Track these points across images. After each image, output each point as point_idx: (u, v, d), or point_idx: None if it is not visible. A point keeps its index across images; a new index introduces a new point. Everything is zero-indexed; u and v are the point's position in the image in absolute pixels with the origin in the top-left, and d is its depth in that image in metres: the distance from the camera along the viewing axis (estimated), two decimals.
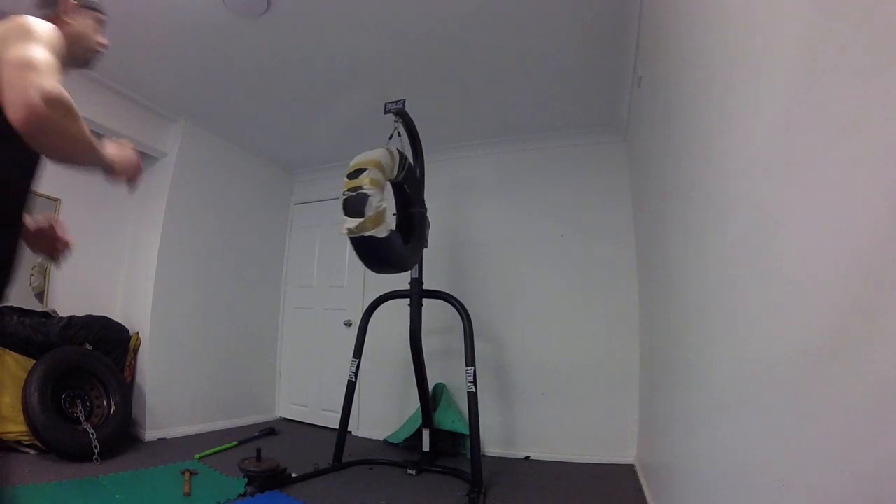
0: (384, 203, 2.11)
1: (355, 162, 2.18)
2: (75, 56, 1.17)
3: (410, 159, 2.71)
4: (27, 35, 0.94)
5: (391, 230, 2.21)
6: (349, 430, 3.03)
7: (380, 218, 2.08)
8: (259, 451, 2.51)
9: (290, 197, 4.61)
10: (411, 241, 2.54)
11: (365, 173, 2.10)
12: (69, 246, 1.28)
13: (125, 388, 2.92)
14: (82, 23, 1.20)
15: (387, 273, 2.45)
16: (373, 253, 2.20)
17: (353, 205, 2.07)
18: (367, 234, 2.06)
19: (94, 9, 1.26)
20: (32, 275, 3.00)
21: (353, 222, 2.05)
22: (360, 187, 2.07)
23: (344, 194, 2.13)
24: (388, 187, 2.57)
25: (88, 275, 3.29)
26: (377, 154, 2.20)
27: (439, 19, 2.36)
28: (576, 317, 3.27)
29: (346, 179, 2.15)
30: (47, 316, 2.86)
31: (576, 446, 3.08)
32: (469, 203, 3.73)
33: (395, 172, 2.37)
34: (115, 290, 3.46)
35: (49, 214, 1.16)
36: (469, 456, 2.54)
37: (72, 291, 3.16)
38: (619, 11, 2.25)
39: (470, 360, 2.57)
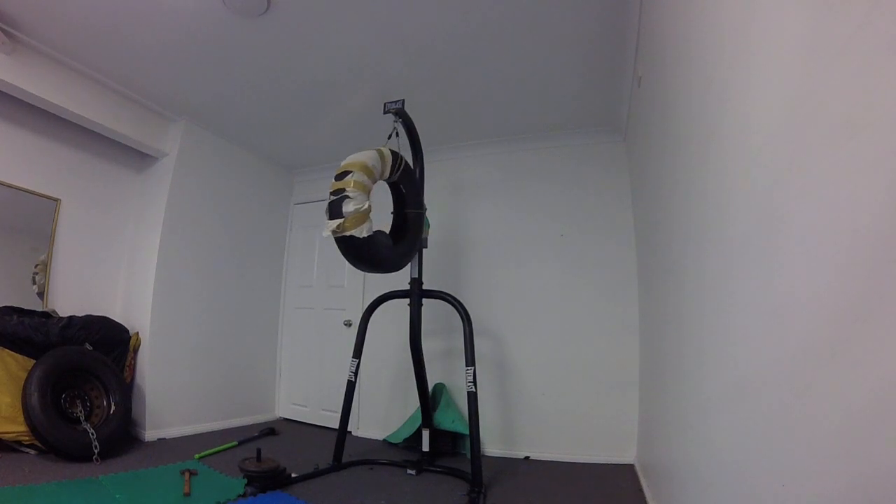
0: (367, 204, 2.14)
1: (344, 164, 2.23)
2: None
3: (410, 159, 2.71)
4: None
5: (377, 231, 2.25)
6: (349, 430, 3.03)
7: (361, 218, 2.13)
8: (259, 451, 2.51)
9: (290, 197, 4.61)
10: (404, 241, 2.54)
11: (349, 175, 2.15)
12: None
13: (125, 388, 2.92)
14: None
15: (374, 272, 2.49)
16: (355, 253, 2.26)
17: (334, 207, 2.13)
18: (346, 234, 2.09)
19: None
20: (36, 273, 3.00)
21: (333, 223, 2.10)
22: (343, 190, 2.11)
23: (329, 196, 2.17)
24: (384, 187, 2.58)
25: (88, 275, 3.30)
26: (364, 156, 2.25)
27: (439, 19, 2.36)
28: (576, 316, 3.27)
29: (333, 181, 2.19)
30: (47, 316, 2.86)
31: (576, 446, 3.09)
32: (469, 203, 3.73)
33: (388, 173, 2.38)
34: (115, 290, 3.46)
35: None
36: (469, 456, 2.55)
37: (72, 291, 3.16)
38: (619, 12, 2.25)
39: (470, 359, 2.57)
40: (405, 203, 2.62)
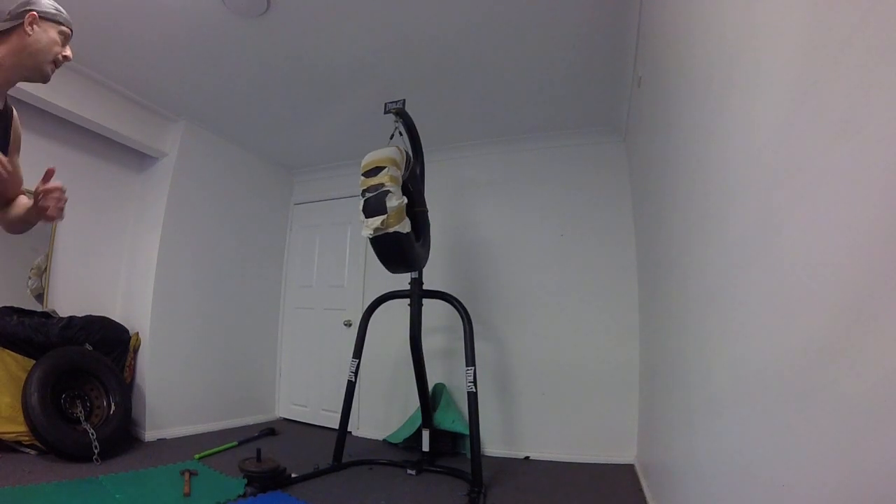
0: (404, 199, 2.09)
1: (371, 160, 2.16)
2: (28, 67, 1.21)
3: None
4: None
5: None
6: (349, 430, 3.03)
7: (401, 214, 2.06)
8: (259, 451, 2.51)
9: (290, 197, 4.61)
10: (420, 239, 2.54)
11: (384, 171, 2.08)
12: (62, 190, 1.30)
13: (125, 388, 2.92)
14: (42, 35, 1.19)
15: (404, 272, 2.44)
16: (395, 250, 2.17)
17: (374, 204, 2.05)
18: (391, 230, 2.03)
19: (58, 21, 1.24)
20: (30, 277, 3.00)
21: (376, 221, 2.03)
22: (382, 185, 2.05)
23: (363, 194, 2.09)
24: None
25: (88, 275, 3.30)
26: (391, 151, 2.19)
27: (439, 19, 2.35)
28: (576, 316, 3.27)
29: (362, 178, 2.12)
30: (47, 316, 2.86)
31: (576, 446, 3.08)
32: (469, 203, 3.73)
33: (403, 170, 2.37)
34: (115, 290, 3.46)
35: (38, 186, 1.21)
36: (469, 456, 2.55)
37: (72, 292, 3.16)
38: (619, 11, 2.25)
39: (470, 359, 2.57)
40: (413, 202, 2.61)
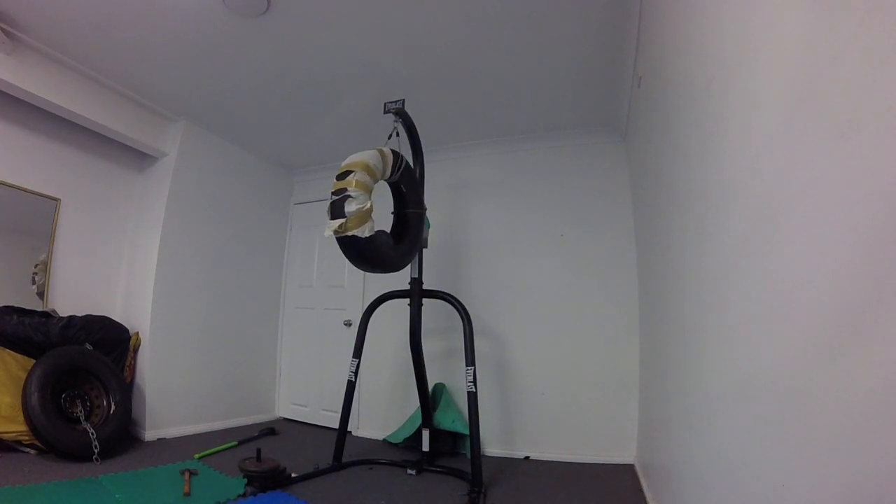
0: (369, 203, 2.13)
1: (345, 163, 2.22)
2: None
3: (410, 159, 2.71)
4: None
5: (378, 230, 2.23)
6: (349, 430, 3.03)
7: (363, 218, 2.12)
8: (259, 451, 2.51)
9: (290, 197, 4.61)
10: (405, 241, 2.54)
11: (351, 175, 2.14)
12: None
13: (125, 388, 2.92)
14: None
15: (376, 272, 2.48)
16: (357, 253, 2.25)
17: (336, 207, 2.12)
18: (349, 234, 2.09)
19: None
20: (35, 273, 3.00)
21: (335, 223, 2.09)
22: (345, 189, 2.10)
23: (331, 196, 2.16)
24: (385, 187, 2.58)
25: (88, 275, 3.30)
26: (366, 156, 2.24)
27: (439, 19, 2.36)
28: (576, 316, 3.27)
29: (334, 181, 2.19)
30: (47, 316, 2.86)
31: (576, 446, 3.09)
32: (469, 203, 3.73)
33: (389, 173, 2.38)
34: (115, 290, 3.46)
35: None
36: (469, 456, 2.55)
37: (72, 291, 3.16)
38: (619, 12, 2.25)
39: (470, 359, 2.57)
40: (405, 203, 2.62)
